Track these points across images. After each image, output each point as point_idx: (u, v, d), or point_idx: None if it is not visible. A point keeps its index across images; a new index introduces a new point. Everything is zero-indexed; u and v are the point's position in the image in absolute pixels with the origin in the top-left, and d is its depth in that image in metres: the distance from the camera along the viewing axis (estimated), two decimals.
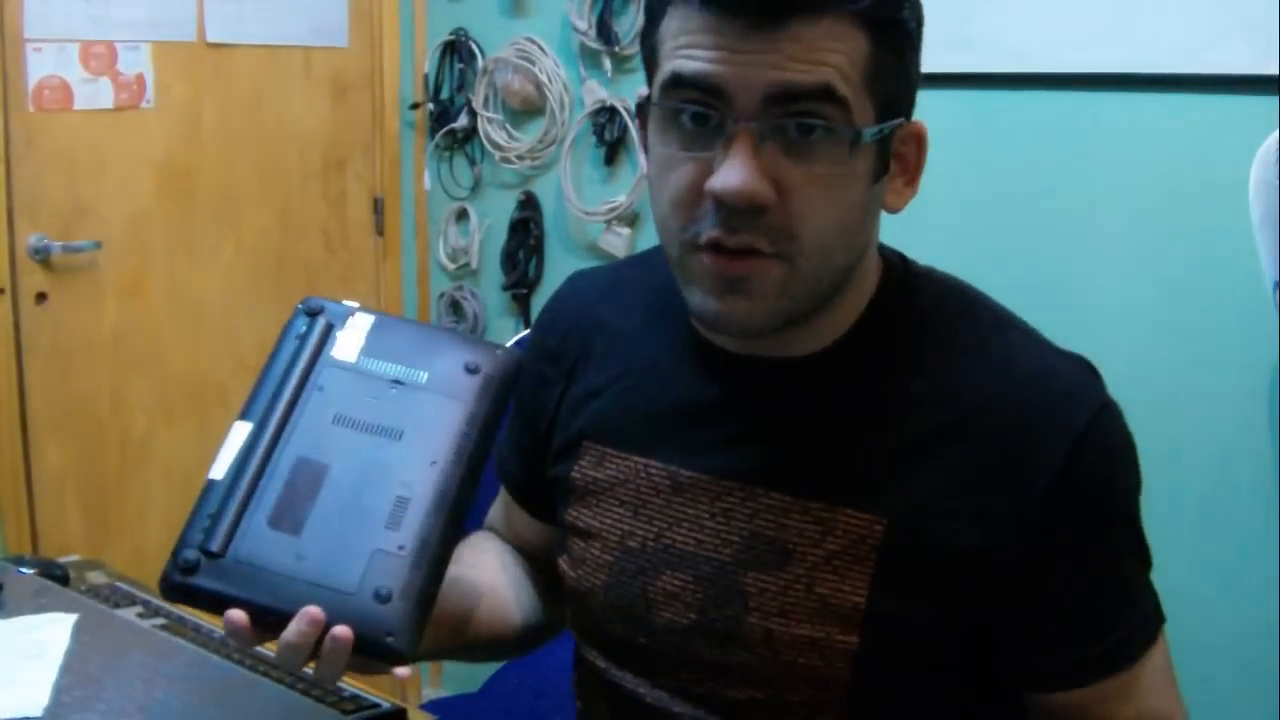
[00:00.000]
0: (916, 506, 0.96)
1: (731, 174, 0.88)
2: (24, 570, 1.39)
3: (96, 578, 1.44)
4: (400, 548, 0.91)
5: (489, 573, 1.19)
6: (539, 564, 1.22)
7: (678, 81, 0.91)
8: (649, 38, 0.96)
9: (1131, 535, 1.01)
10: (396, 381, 0.98)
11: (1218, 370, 1.92)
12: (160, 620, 1.30)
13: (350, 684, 1.15)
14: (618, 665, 1.08)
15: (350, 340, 1.00)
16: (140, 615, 1.31)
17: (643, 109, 0.98)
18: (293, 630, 0.87)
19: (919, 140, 0.98)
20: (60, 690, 1.10)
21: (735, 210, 0.89)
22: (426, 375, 0.99)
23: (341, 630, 0.87)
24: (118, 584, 1.41)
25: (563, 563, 1.12)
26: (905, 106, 0.96)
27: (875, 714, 0.99)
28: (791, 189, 0.90)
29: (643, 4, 1.00)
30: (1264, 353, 1.85)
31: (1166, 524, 1.90)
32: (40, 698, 1.09)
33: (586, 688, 1.14)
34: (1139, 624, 1.00)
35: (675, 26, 0.92)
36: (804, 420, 1.01)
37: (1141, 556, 1.03)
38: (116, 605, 1.33)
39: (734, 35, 0.88)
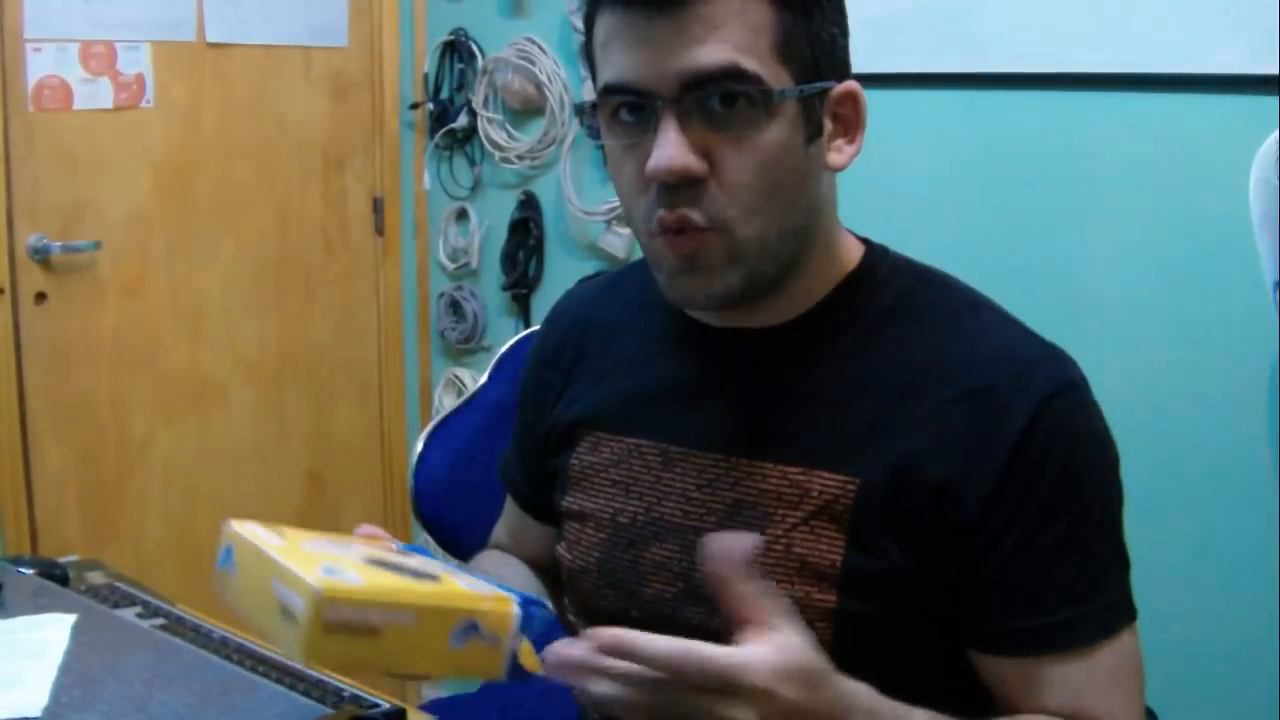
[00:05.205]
0: (888, 466, 0.98)
1: (660, 152, 0.94)
2: (23, 570, 1.39)
3: (96, 578, 1.43)
4: None
5: (519, 579, 1.21)
6: (550, 577, 1.24)
7: (607, 89, 0.97)
8: (588, 51, 1.01)
9: (1097, 518, 0.99)
10: None
11: (1217, 370, 1.92)
12: (160, 620, 1.30)
13: (350, 684, 1.15)
14: None
15: None
16: (140, 615, 1.31)
17: (582, 111, 1.03)
18: None
19: (854, 99, 1.01)
20: (60, 690, 1.10)
21: (671, 187, 0.94)
22: None
23: None
24: (117, 584, 1.41)
25: (560, 549, 1.15)
26: (832, 69, 0.99)
27: (856, 674, 0.99)
28: (721, 159, 0.94)
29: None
30: (1264, 353, 1.85)
31: (1166, 524, 1.91)
32: (40, 698, 1.08)
33: None
34: (1094, 612, 0.98)
35: (601, 34, 0.97)
36: (781, 388, 1.04)
37: (1111, 547, 1.01)
38: (116, 605, 1.33)
39: (642, 27, 0.93)
